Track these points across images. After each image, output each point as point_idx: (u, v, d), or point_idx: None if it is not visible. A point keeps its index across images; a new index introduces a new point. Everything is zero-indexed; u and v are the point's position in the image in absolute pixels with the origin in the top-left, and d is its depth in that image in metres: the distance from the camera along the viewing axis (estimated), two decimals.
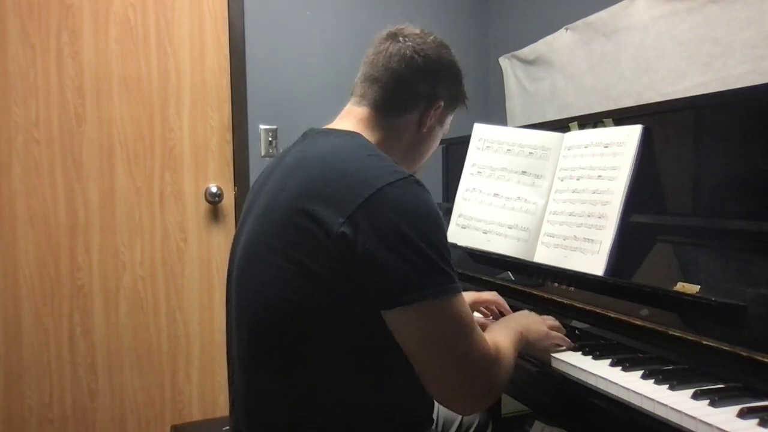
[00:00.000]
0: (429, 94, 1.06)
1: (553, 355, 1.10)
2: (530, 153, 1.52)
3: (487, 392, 0.91)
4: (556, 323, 1.16)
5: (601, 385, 0.97)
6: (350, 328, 0.90)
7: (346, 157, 0.94)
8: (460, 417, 1.35)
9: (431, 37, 1.09)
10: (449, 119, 1.16)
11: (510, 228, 1.51)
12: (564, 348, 1.12)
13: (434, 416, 1.17)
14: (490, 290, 1.56)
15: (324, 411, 0.93)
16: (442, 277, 0.86)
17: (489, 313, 1.38)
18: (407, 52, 1.04)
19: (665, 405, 0.85)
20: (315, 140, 1.03)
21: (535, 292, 1.39)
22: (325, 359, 0.92)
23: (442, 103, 1.08)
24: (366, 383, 0.94)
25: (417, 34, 1.08)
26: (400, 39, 1.06)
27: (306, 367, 0.92)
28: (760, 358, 0.88)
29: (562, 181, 1.42)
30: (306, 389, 0.93)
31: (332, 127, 1.07)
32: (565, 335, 1.15)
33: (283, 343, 0.93)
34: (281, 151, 1.13)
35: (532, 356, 1.13)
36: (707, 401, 0.84)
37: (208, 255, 2.31)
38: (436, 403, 1.31)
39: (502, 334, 1.01)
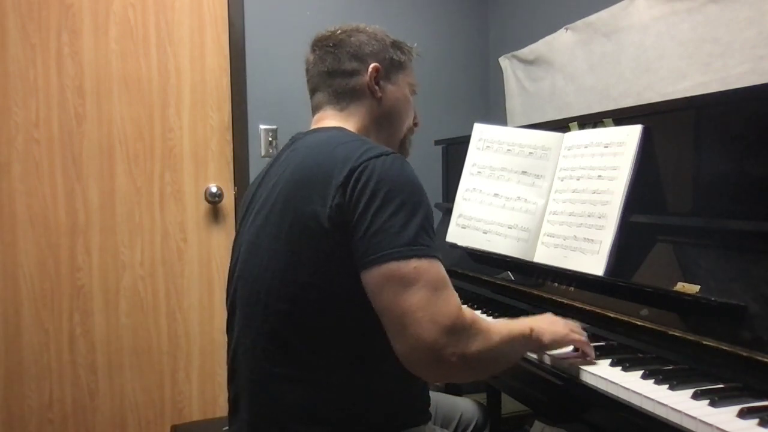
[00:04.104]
0: (359, 65, 1.13)
1: (552, 354, 1.09)
2: (530, 153, 1.52)
3: (448, 359, 0.87)
4: (581, 336, 1.07)
5: (601, 385, 0.97)
6: (348, 307, 0.94)
7: (334, 143, 1.00)
8: (458, 415, 1.35)
9: (336, 28, 1.17)
10: (401, 76, 1.18)
11: (510, 228, 1.51)
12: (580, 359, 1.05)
13: (433, 411, 1.18)
14: (491, 290, 1.57)
15: (324, 396, 0.96)
16: (413, 238, 0.88)
17: None
18: (320, 52, 1.15)
19: (665, 405, 0.85)
20: (303, 138, 1.09)
21: (535, 292, 1.39)
22: (327, 342, 0.96)
23: (376, 65, 1.13)
24: (361, 368, 0.98)
25: (325, 35, 1.17)
26: (315, 49, 1.16)
27: (310, 350, 0.96)
28: (760, 358, 0.88)
29: (562, 181, 1.42)
30: (308, 375, 0.96)
31: (316, 126, 1.14)
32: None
33: (287, 327, 0.96)
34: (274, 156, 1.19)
35: (535, 358, 1.13)
36: (707, 401, 0.84)
37: (208, 255, 2.31)
38: (435, 400, 1.33)
39: (503, 321, 1.01)
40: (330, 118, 1.13)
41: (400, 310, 0.87)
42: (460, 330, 0.87)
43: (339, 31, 1.15)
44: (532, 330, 1.01)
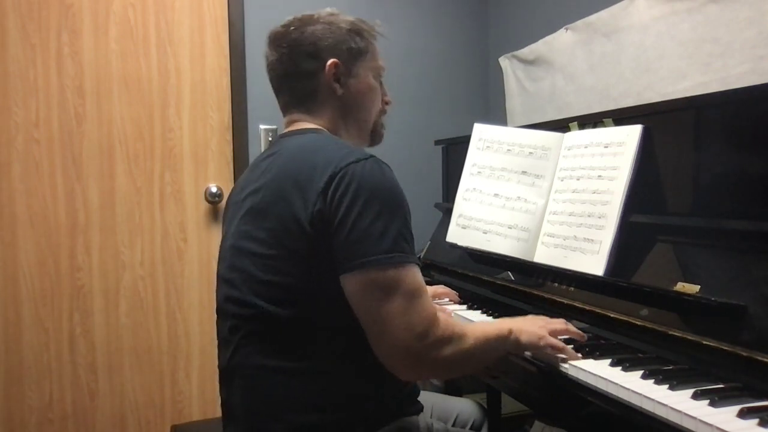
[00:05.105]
0: (316, 64, 1.10)
1: (553, 354, 1.09)
2: (530, 153, 1.52)
3: (423, 362, 0.93)
4: (561, 327, 1.11)
5: (601, 385, 0.97)
6: (333, 303, 0.96)
7: (314, 148, 1.02)
8: (455, 414, 1.36)
9: (289, 22, 1.13)
10: (362, 64, 1.15)
11: (510, 228, 1.51)
12: (563, 356, 1.07)
13: (429, 411, 1.19)
14: (491, 290, 1.57)
15: (318, 384, 0.99)
16: (392, 246, 0.92)
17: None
18: (276, 52, 1.12)
19: (665, 405, 0.85)
20: (284, 142, 1.11)
21: (535, 292, 1.39)
22: (316, 336, 0.99)
23: (334, 60, 1.10)
24: (352, 357, 1.00)
25: (280, 32, 1.12)
26: (272, 47, 1.13)
27: (300, 345, 0.99)
28: (760, 358, 0.88)
29: (562, 181, 1.42)
30: (300, 365, 0.99)
31: (294, 129, 1.14)
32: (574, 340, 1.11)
33: (276, 326, 0.99)
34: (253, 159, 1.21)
35: (534, 357, 1.13)
36: (707, 401, 0.84)
37: (208, 255, 2.30)
38: (431, 401, 1.33)
39: (480, 324, 1.05)
40: (302, 122, 1.13)
41: (378, 317, 0.92)
42: (434, 335, 0.93)
43: (293, 27, 1.11)
44: (510, 331, 1.04)
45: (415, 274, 0.95)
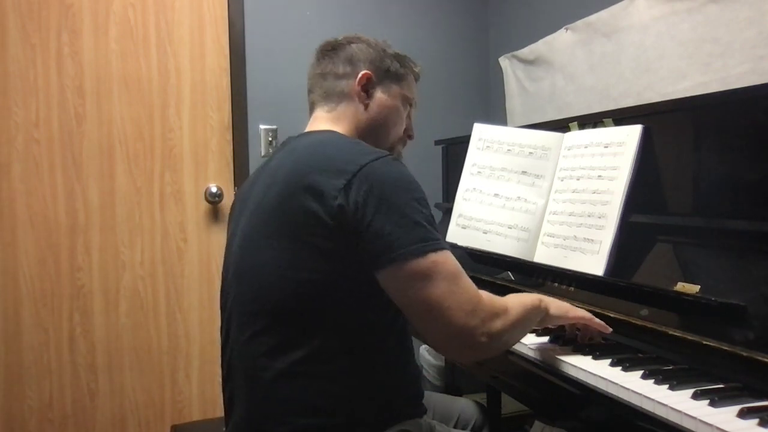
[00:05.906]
0: (350, 70, 1.16)
1: (553, 354, 1.10)
2: (530, 153, 1.52)
3: (479, 340, 0.93)
4: (585, 312, 1.14)
5: (601, 385, 0.97)
6: (341, 302, 0.97)
7: (329, 145, 1.04)
8: (457, 414, 1.36)
9: (342, 36, 1.21)
10: (396, 87, 1.20)
11: (510, 228, 1.51)
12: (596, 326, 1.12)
13: (431, 411, 1.19)
14: (491, 290, 1.56)
15: (322, 387, 0.98)
16: (425, 234, 0.94)
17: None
18: (319, 55, 1.20)
19: (665, 405, 0.85)
20: (297, 142, 1.11)
21: (535, 292, 1.39)
22: (325, 336, 0.98)
23: (367, 72, 1.16)
24: (357, 359, 1.00)
25: (329, 41, 1.21)
26: (317, 53, 1.21)
27: (308, 344, 0.98)
28: (760, 358, 0.88)
29: (562, 181, 1.42)
30: (305, 368, 0.98)
31: (307, 130, 1.17)
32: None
33: (285, 323, 0.99)
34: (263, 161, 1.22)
35: (535, 357, 1.13)
36: (707, 401, 0.84)
37: (208, 255, 2.31)
38: (433, 401, 1.33)
39: (515, 296, 1.06)
40: (320, 120, 1.16)
41: (427, 304, 0.92)
42: (483, 311, 0.94)
43: (342, 38, 1.19)
44: (541, 300, 1.08)
45: (452, 257, 0.96)
